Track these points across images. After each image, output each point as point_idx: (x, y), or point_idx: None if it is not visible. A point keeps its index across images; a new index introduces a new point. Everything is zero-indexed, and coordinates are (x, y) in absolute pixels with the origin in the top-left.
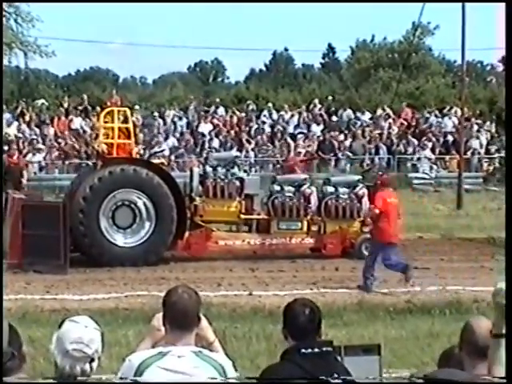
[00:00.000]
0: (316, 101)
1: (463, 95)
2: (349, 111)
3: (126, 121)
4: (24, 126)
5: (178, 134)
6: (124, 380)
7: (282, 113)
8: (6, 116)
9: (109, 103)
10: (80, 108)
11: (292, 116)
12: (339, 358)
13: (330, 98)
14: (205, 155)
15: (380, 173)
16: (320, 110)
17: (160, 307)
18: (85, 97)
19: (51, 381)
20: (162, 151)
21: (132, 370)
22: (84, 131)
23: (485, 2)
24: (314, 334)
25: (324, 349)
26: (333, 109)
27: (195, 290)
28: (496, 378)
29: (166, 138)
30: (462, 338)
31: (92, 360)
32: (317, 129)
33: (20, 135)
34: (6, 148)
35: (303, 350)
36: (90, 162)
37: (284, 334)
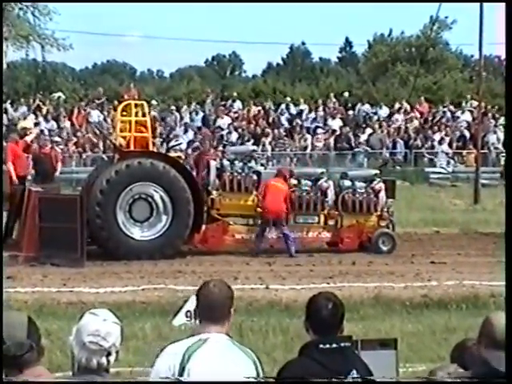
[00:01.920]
0: (332, 95)
1: (480, 90)
2: (366, 105)
3: (143, 114)
4: (41, 119)
5: (195, 128)
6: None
7: (301, 107)
8: (23, 109)
9: (126, 96)
10: (97, 101)
11: (311, 111)
12: (358, 353)
13: (347, 93)
14: (222, 149)
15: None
16: (336, 104)
17: (176, 300)
18: (101, 90)
19: (53, 380)
20: (178, 144)
21: (178, 358)
22: (101, 124)
23: (485, 2)
24: (336, 329)
25: (343, 344)
26: (349, 105)
27: (228, 284)
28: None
29: (184, 132)
30: (481, 332)
31: (109, 353)
32: (333, 123)
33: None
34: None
35: (321, 346)
36: (106, 156)
37: (306, 327)
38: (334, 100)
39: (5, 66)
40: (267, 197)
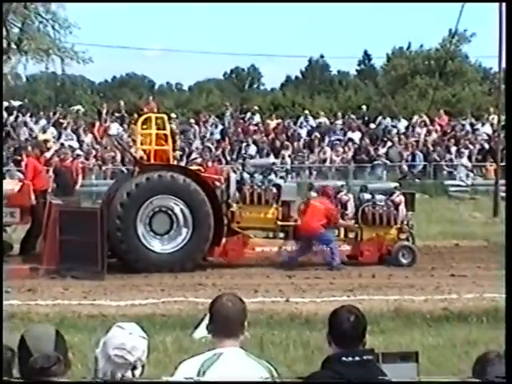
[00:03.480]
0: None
1: (500, 103)
2: (387, 119)
3: (163, 127)
4: (61, 132)
5: (214, 141)
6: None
7: (320, 120)
8: (42, 122)
9: (145, 109)
10: (117, 115)
11: (331, 123)
12: (379, 366)
13: (364, 107)
14: (242, 161)
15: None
16: (356, 118)
17: (197, 313)
18: (122, 103)
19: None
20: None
21: (193, 373)
22: (121, 137)
23: (485, 2)
24: (358, 342)
25: (365, 357)
26: (366, 118)
27: (241, 298)
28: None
29: (203, 144)
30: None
31: (134, 367)
32: (353, 135)
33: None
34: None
35: (344, 359)
36: (126, 169)
37: (328, 340)
38: (352, 116)
39: (24, 79)
40: (303, 216)
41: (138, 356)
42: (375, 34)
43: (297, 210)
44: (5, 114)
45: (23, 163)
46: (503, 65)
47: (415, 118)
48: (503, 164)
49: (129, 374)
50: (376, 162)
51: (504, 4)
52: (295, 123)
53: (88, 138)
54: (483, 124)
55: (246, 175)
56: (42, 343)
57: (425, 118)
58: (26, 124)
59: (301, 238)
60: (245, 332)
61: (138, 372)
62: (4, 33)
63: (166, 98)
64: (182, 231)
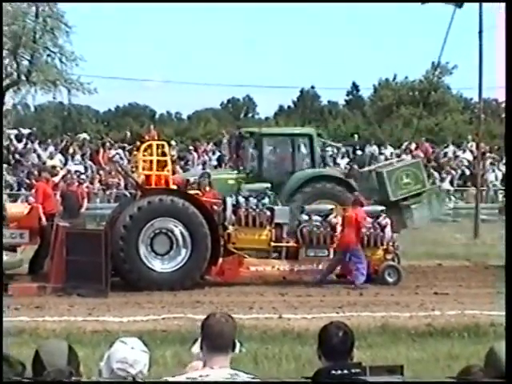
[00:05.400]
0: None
1: (480, 131)
2: (373, 146)
3: (163, 154)
4: (67, 158)
5: (212, 167)
6: None
7: None
8: (50, 149)
9: (147, 137)
10: (122, 145)
11: (322, 151)
12: (367, 379)
13: (356, 136)
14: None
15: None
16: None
17: (195, 329)
18: (128, 133)
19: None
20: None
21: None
22: (124, 163)
23: (485, 2)
24: (346, 356)
25: (353, 370)
26: (357, 146)
27: (231, 315)
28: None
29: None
30: (487, 363)
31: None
32: (342, 162)
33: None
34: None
35: (333, 372)
36: (129, 193)
37: (318, 354)
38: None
39: (33, 108)
40: (343, 229)
41: (140, 369)
42: (363, 67)
43: (340, 222)
44: (15, 142)
45: (34, 188)
46: (483, 95)
47: (404, 145)
48: (483, 188)
49: None
50: None
51: (501, 6)
52: None
53: (93, 164)
54: (464, 151)
55: (241, 199)
56: (55, 358)
57: (412, 145)
58: (34, 151)
59: (337, 252)
60: (235, 349)
61: None
62: (14, 65)
63: (166, 126)
64: (182, 251)
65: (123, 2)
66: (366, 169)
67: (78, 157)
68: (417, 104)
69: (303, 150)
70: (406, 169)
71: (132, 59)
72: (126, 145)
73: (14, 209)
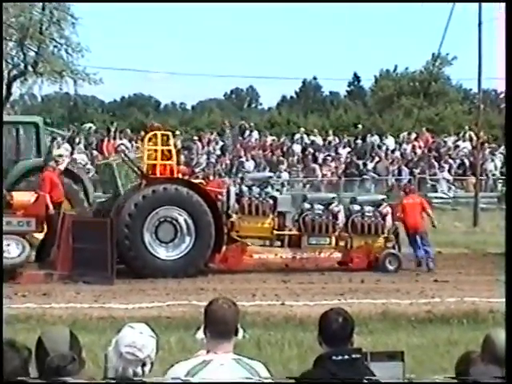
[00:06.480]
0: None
1: (479, 121)
2: (375, 136)
3: (168, 143)
4: (74, 147)
5: (215, 156)
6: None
7: (313, 137)
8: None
9: (151, 127)
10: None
11: (324, 140)
12: (367, 365)
13: (360, 126)
14: (240, 175)
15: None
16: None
17: (199, 315)
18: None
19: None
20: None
21: (178, 380)
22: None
23: (485, 2)
24: (346, 341)
25: (354, 356)
26: (359, 137)
27: (234, 301)
28: (496, 378)
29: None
30: (483, 349)
31: (144, 364)
32: (343, 151)
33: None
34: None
35: (334, 357)
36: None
37: (318, 340)
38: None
39: (39, 99)
40: (407, 216)
41: (148, 353)
42: (364, 58)
43: (396, 212)
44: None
45: (40, 176)
46: (482, 86)
47: (403, 134)
48: (482, 178)
49: (139, 369)
50: (365, 176)
51: (503, 5)
52: (290, 140)
53: (98, 154)
54: (464, 141)
55: (244, 188)
56: (57, 344)
57: (412, 135)
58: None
59: (410, 235)
60: (238, 334)
61: (147, 368)
62: (21, 56)
63: (170, 116)
64: (186, 239)
65: None
66: (102, 162)
67: (81, 146)
68: (417, 94)
69: (29, 138)
70: (137, 162)
71: (137, 50)
72: (128, 132)
73: (21, 197)
